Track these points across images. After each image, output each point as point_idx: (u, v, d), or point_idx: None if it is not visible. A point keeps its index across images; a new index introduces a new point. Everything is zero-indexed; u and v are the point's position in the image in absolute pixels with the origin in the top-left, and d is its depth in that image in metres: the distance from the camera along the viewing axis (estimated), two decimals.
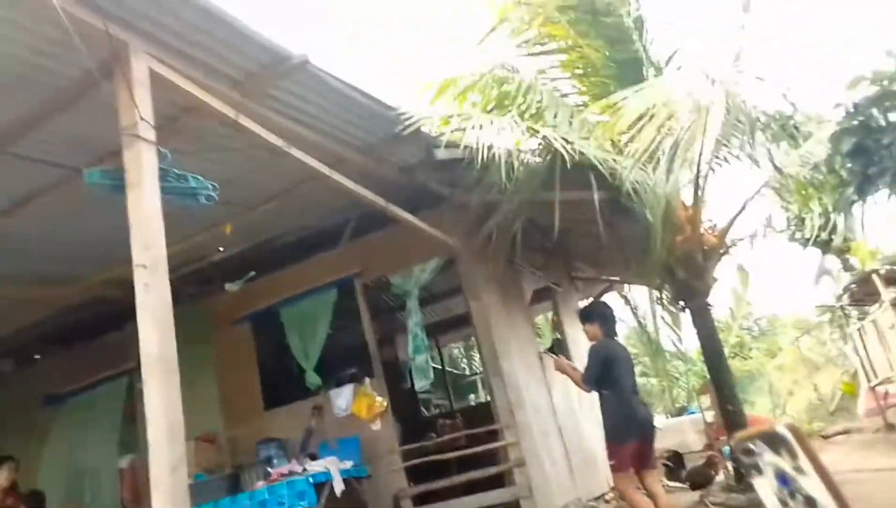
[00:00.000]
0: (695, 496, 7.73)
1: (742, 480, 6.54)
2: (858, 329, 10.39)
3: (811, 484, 0.49)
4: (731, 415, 7.03)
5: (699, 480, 7.06)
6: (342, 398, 6.70)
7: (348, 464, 5.89)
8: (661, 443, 12.06)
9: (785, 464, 0.51)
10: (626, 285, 11.00)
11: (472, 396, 14.56)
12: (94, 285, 6.68)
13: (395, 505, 6.23)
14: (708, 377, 8.29)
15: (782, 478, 0.52)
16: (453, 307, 10.62)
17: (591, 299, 11.40)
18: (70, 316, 7.52)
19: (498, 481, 6.35)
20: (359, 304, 7.03)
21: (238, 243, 6.79)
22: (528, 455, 6.19)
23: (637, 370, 22.78)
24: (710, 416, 9.48)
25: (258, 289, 7.26)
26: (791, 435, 0.51)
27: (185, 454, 2.74)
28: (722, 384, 7.29)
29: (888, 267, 8.81)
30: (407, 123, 5.33)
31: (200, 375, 7.00)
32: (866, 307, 10.14)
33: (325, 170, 4.90)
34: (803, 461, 0.49)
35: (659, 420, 17.09)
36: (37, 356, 8.95)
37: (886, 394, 10.46)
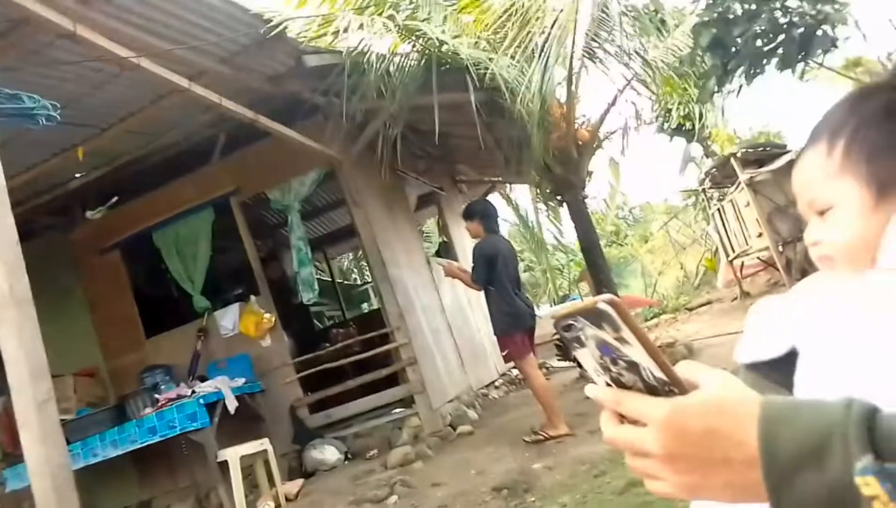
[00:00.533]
0: (570, 375, 8.33)
1: (571, 360, 7.04)
2: (718, 210, 11.24)
3: (633, 352, 0.52)
4: None
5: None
6: (228, 319, 6.58)
7: (240, 381, 5.86)
8: (545, 329, 12.82)
9: (607, 336, 0.53)
10: (507, 185, 11.25)
11: (364, 305, 14.71)
12: None
13: (291, 415, 6.30)
14: (585, 265, 8.78)
15: (605, 348, 0.55)
16: (338, 219, 10.51)
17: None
18: None
19: (392, 381, 6.54)
20: (237, 223, 6.79)
21: (97, 167, 6.29)
22: (420, 354, 6.40)
23: (522, 265, 23.81)
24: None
25: (127, 215, 6.83)
26: (612, 310, 0.53)
27: (51, 390, 2.60)
28: (598, 271, 7.75)
29: (744, 150, 9.46)
30: (271, 27, 5.01)
31: (68, 309, 6.61)
32: (725, 189, 10.93)
33: (183, 83, 4.54)
34: (626, 332, 0.52)
35: (543, 309, 18.08)
36: None
37: (742, 266, 11.53)
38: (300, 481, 5.48)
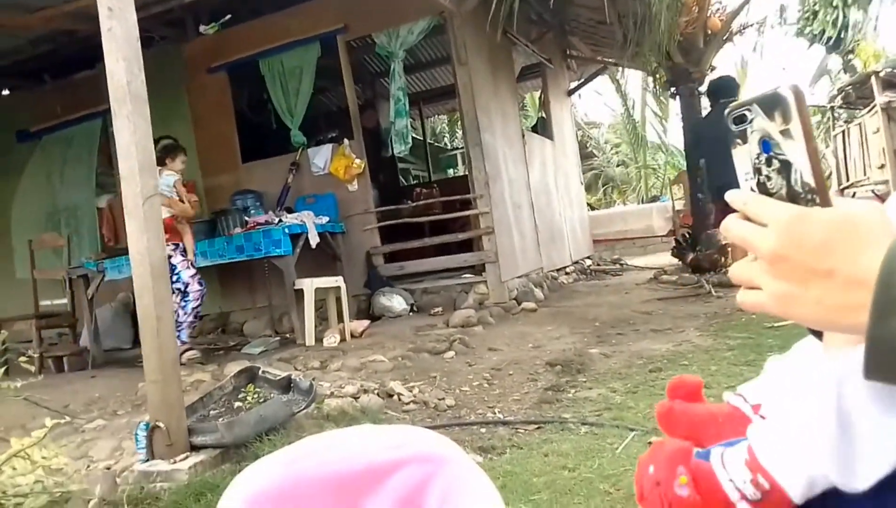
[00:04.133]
0: (644, 275, 8.20)
1: (686, 262, 6.87)
2: (843, 132, 10.38)
3: (792, 148, 0.49)
4: (700, 204, 7.23)
5: (705, 264, 6.90)
6: (320, 157, 6.71)
7: (324, 220, 6.07)
8: (628, 225, 12.63)
9: (773, 128, 0.50)
10: (620, 69, 10.66)
11: (451, 171, 14.71)
12: (59, 17, 6.26)
13: (367, 261, 6.55)
14: (686, 166, 8.40)
15: (765, 143, 0.52)
16: (439, 78, 10.31)
17: (581, 81, 11.14)
18: (37, 49, 7.15)
19: (467, 246, 6.64)
20: (341, 63, 6.75)
21: None
22: (498, 225, 6.42)
23: (617, 158, 22.95)
24: (679, 205, 9.77)
25: (235, 37, 6.90)
26: (792, 96, 0.49)
27: (157, 186, 2.76)
28: (697, 175, 7.40)
29: (890, 70, 8.54)
30: None
31: (173, 122, 6.86)
32: (857, 111, 10.02)
33: None
34: (795, 125, 0.49)
35: (630, 207, 17.65)
36: (5, 92, 8.68)
37: (853, 198, 10.77)
38: (366, 321, 5.77)
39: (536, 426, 3.05)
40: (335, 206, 6.51)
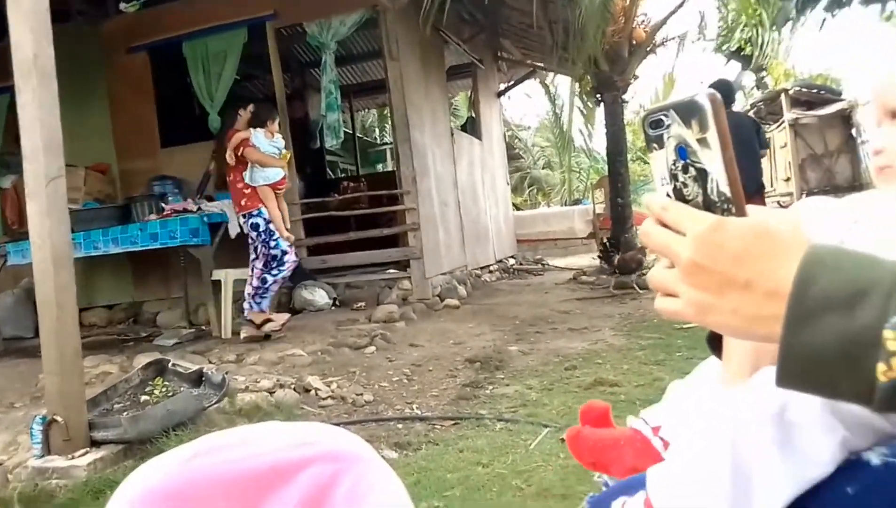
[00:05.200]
0: (564, 276, 8.41)
1: (612, 264, 7.08)
2: None
3: (709, 157, 0.50)
4: (619, 208, 7.46)
5: (631, 265, 6.99)
6: None
7: None
8: (551, 227, 12.90)
9: (690, 136, 0.52)
10: (548, 73, 10.86)
11: (379, 166, 14.63)
12: None
13: None
14: (607, 172, 8.65)
15: (681, 150, 0.53)
16: (370, 71, 10.23)
17: (511, 83, 11.30)
18: None
19: (392, 242, 6.62)
20: (270, 50, 6.59)
21: None
22: (424, 222, 6.43)
23: (543, 160, 23.35)
24: (600, 208, 10.05)
25: (159, 17, 6.63)
26: (709, 105, 0.51)
27: (63, 168, 2.61)
28: (617, 180, 7.64)
29: (798, 88, 9.06)
30: None
31: (89, 103, 6.56)
32: (767, 126, 10.57)
33: None
34: (711, 134, 0.50)
35: (553, 209, 18.02)
36: None
37: None
38: (287, 315, 5.65)
39: (453, 422, 3.07)
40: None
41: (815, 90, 9.20)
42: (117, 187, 6.81)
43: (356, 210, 6.97)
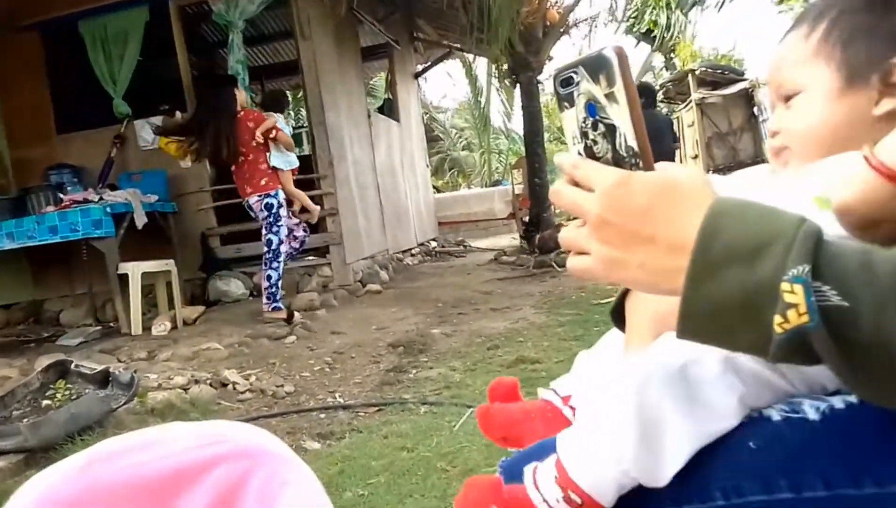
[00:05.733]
0: (486, 257, 8.49)
1: (532, 244, 7.22)
2: None
3: (617, 112, 0.50)
4: (537, 188, 7.57)
5: (550, 244, 6.99)
6: (149, 131, 6.22)
7: (153, 198, 5.64)
8: (471, 208, 13.00)
9: (599, 92, 0.51)
10: (466, 54, 10.87)
11: (296, 150, 14.29)
12: None
13: (202, 243, 6.18)
14: (525, 153, 8.75)
15: (591, 107, 0.53)
16: (282, 52, 9.94)
17: (428, 64, 11.24)
18: None
19: (311, 228, 6.47)
20: (174, 30, 6.27)
21: None
22: (342, 206, 6.32)
23: (463, 142, 23.48)
24: (519, 189, 10.18)
25: None
26: (615, 58, 0.50)
27: None
28: (535, 161, 7.74)
29: (703, 69, 9.41)
30: None
31: None
32: (676, 105, 10.96)
33: None
34: (619, 88, 0.50)
35: (474, 190, 18.17)
36: None
37: None
38: (201, 307, 5.46)
39: (377, 408, 3.04)
40: (165, 184, 6.07)
41: (719, 71, 9.59)
42: (10, 178, 6.35)
43: None
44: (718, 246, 0.50)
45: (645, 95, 6.35)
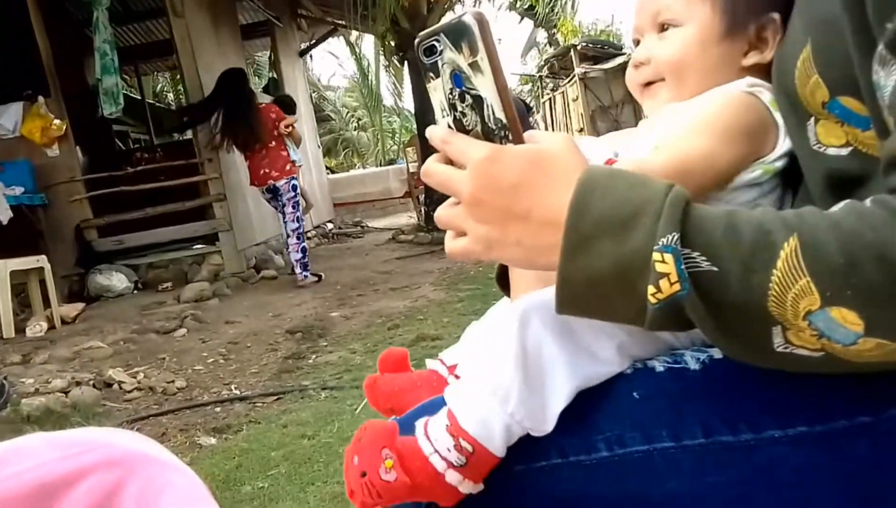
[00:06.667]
0: (384, 236, 8.47)
1: (430, 221, 7.25)
2: (549, 99, 11.61)
3: (482, 83, 0.49)
4: None
5: None
6: (8, 117, 5.70)
7: (18, 190, 5.22)
8: (367, 188, 12.88)
9: (462, 61, 0.50)
10: (351, 32, 10.67)
11: (177, 134, 13.58)
12: None
13: (77, 236, 5.77)
14: (416, 131, 8.73)
15: (456, 77, 0.51)
16: (156, 31, 9.37)
17: (313, 41, 10.95)
18: None
19: (198, 215, 6.20)
20: (30, 8, 5.75)
21: None
22: (230, 191, 6.08)
23: (354, 122, 23.22)
24: (413, 167, 10.16)
25: None
26: (476, 25, 0.49)
27: None
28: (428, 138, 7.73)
29: (584, 44, 9.70)
30: None
31: None
32: (560, 80, 11.25)
33: None
34: (482, 57, 0.49)
35: (369, 170, 18.02)
36: None
37: None
38: (80, 305, 5.12)
39: (275, 397, 2.96)
40: (31, 174, 5.60)
41: (599, 45, 9.94)
42: None
43: (153, 183, 6.40)
44: (588, 220, 0.50)
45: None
